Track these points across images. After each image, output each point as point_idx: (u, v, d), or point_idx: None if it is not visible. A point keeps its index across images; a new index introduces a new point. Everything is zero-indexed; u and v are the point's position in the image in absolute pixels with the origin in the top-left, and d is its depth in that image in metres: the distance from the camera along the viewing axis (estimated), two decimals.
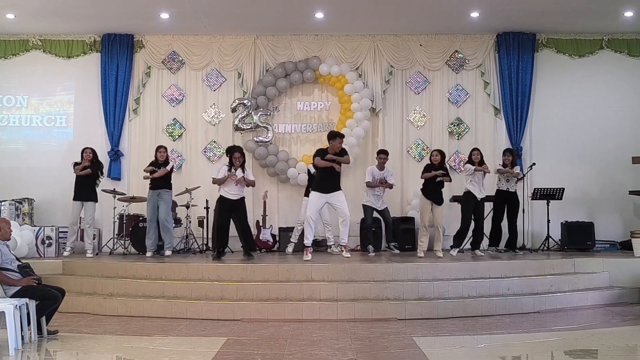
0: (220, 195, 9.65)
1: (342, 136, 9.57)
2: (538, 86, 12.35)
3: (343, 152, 9.49)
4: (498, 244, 10.71)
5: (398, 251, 10.74)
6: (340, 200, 9.36)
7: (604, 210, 12.08)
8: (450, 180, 10.12)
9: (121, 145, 12.26)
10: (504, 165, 10.57)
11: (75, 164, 10.53)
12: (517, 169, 10.69)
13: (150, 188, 10.37)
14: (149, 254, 10.29)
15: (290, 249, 10.96)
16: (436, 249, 9.89)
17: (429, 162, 10.15)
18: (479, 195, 10.08)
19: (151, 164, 10.47)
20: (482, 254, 10.08)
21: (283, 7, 10.95)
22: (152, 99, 12.45)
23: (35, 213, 11.70)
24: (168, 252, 10.29)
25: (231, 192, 9.58)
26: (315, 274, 8.36)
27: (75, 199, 10.42)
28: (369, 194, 10.58)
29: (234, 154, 9.68)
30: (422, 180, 10.02)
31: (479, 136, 12.40)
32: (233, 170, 9.58)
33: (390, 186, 10.61)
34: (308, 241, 9.37)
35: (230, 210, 9.64)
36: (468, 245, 10.62)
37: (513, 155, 10.72)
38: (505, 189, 10.58)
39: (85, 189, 10.43)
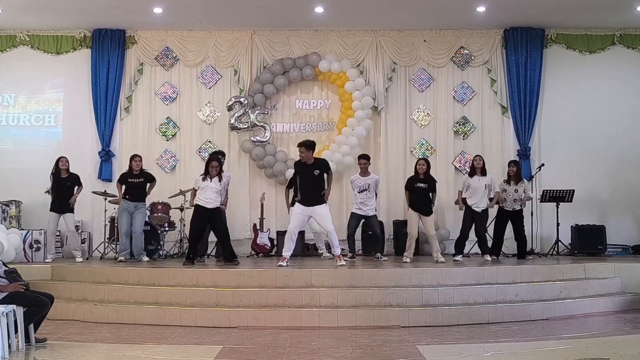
0: (196, 203, 9.52)
1: (304, 145, 9.19)
2: (547, 83, 12.15)
3: (320, 162, 9.33)
4: (498, 254, 10.44)
5: (385, 258, 10.50)
6: (322, 215, 9.14)
7: (616, 212, 11.90)
8: (435, 192, 10.03)
9: (112, 145, 12.05)
10: (509, 176, 10.33)
11: (52, 174, 10.32)
12: (524, 186, 10.28)
13: (127, 199, 10.18)
14: (121, 258, 10.08)
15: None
16: (434, 256, 9.79)
17: (414, 172, 10.14)
18: (477, 208, 10.01)
19: (126, 174, 10.28)
20: (490, 259, 10.08)
21: (281, 1, 10.82)
22: (144, 97, 12.24)
23: (23, 216, 11.50)
24: (146, 258, 10.27)
25: (207, 199, 9.42)
26: (315, 280, 8.25)
27: (53, 210, 10.29)
28: (355, 201, 10.45)
29: (212, 163, 9.55)
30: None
31: (485, 136, 12.23)
32: (209, 179, 9.44)
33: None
34: (287, 253, 9.08)
35: (205, 220, 9.53)
36: (476, 250, 10.62)
37: (518, 167, 10.48)
38: (510, 209, 10.23)
39: (64, 201, 10.26)
